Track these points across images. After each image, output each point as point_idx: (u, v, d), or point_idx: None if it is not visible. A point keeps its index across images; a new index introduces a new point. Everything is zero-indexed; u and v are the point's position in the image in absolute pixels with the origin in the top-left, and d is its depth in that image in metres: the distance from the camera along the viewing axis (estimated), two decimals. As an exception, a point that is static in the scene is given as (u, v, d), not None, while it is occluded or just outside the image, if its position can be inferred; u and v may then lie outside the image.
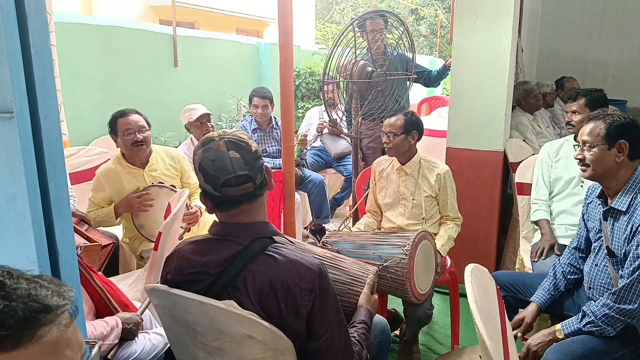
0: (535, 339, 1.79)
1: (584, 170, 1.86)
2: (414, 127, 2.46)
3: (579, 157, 1.86)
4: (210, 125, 3.42)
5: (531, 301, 2.01)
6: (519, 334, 1.95)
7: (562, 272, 2.04)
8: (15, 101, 0.76)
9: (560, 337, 1.75)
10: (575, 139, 2.70)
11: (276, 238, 1.35)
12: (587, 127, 1.84)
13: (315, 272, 1.25)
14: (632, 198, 1.75)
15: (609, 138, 1.78)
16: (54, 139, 0.84)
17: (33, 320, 0.61)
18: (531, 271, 2.47)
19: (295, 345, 1.24)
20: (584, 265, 1.99)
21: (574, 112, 2.74)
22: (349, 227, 2.52)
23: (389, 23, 3.22)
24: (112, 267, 2.75)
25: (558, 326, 1.79)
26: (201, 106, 3.50)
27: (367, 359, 1.39)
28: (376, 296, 1.65)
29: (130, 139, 2.58)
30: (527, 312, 1.98)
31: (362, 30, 3.08)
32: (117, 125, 2.60)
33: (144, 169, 2.72)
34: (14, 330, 0.60)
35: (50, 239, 0.85)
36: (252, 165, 1.28)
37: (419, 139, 2.52)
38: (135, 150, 2.62)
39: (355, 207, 2.93)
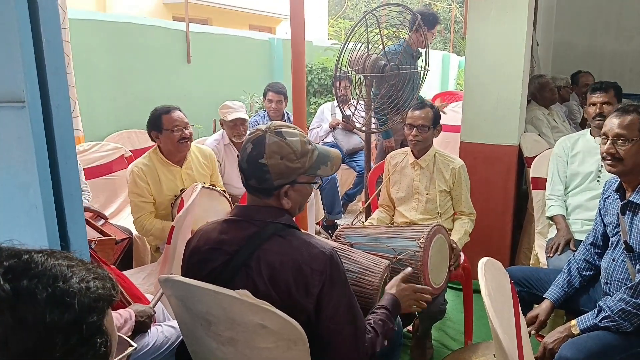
0: (551, 336, 1.76)
1: (612, 166, 1.77)
2: (438, 121, 2.46)
3: (611, 151, 1.77)
4: (242, 129, 3.29)
5: (545, 298, 1.98)
6: (533, 332, 1.92)
7: (577, 268, 2.00)
8: (26, 91, 0.76)
9: (576, 332, 1.72)
10: (590, 133, 2.67)
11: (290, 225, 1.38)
12: (620, 120, 1.75)
13: (327, 255, 1.27)
14: None
15: None
16: (66, 129, 0.84)
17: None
18: (546, 267, 2.44)
19: (307, 331, 1.23)
20: (599, 261, 1.96)
21: (604, 103, 2.59)
22: (362, 222, 2.50)
23: (397, 12, 3.19)
24: (127, 261, 2.78)
25: (574, 322, 1.75)
26: (240, 107, 3.35)
27: (382, 345, 1.38)
28: (413, 285, 1.62)
29: (179, 135, 2.59)
30: (540, 310, 1.95)
31: (374, 24, 3.05)
32: (162, 121, 2.58)
33: (181, 166, 2.70)
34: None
35: (62, 229, 0.86)
36: (255, 171, 1.32)
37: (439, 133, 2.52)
38: (181, 146, 2.62)
39: (368, 202, 2.91)
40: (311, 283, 1.25)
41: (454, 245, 2.26)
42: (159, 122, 2.58)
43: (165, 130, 2.58)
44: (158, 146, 2.66)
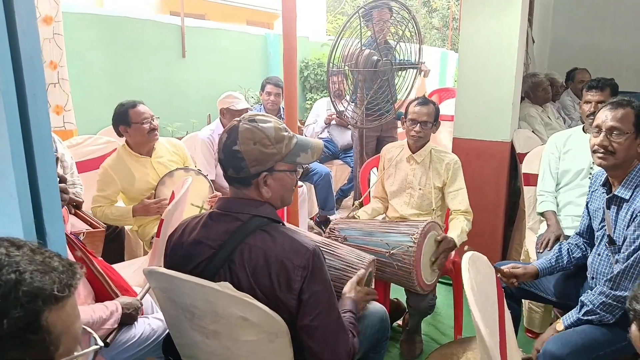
0: (540, 339, 1.77)
1: (604, 159, 1.75)
2: (438, 117, 2.46)
3: (604, 143, 1.74)
4: None
5: (531, 264, 2.00)
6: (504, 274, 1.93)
7: (567, 249, 2.02)
8: (1, 79, 0.76)
9: (561, 329, 1.73)
10: (583, 129, 2.67)
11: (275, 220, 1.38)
12: (614, 113, 1.74)
13: (310, 251, 1.27)
14: (636, 186, 1.72)
15: (637, 126, 1.72)
16: (42, 119, 0.84)
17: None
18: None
19: (290, 326, 1.23)
20: (589, 249, 1.97)
21: (599, 102, 2.54)
22: (358, 216, 2.49)
23: (396, 12, 3.18)
24: (119, 253, 2.79)
25: (559, 321, 1.77)
26: (242, 97, 3.51)
27: (357, 346, 1.38)
28: (365, 288, 1.62)
29: (148, 127, 2.68)
30: (523, 267, 1.96)
31: (367, 20, 3.05)
32: (129, 115, 2.65)
33: (150, 156, 2.79)
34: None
35: (39, 220, 0.85)
36: (231, 159, 1.32)
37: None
38: (151, 137, 2.71)
39: (361, 198, 2.91)
40: (293, 278, 1.24)
41: (444, 239, 2.22)
42: (126, 117, 2.66)
43: (135, 124, 2.66)
44: (126, 141, 2.75)
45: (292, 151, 1.36)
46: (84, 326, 0.69)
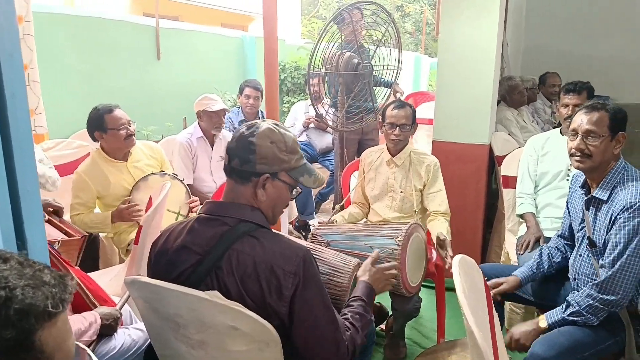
0: (519, 327, 1.78)
1: (581, 162, 1.78)
2: (415, 119, 2.46)
3: (581, 147, 1.77)
4: (222, 121, 3.34)
5: (513, 275, 2.02)
6: (492, 293, 1.93)
7: (547, 254, 2.04)
8: (-22, 78, 0.71)
9: (544, 326, 1.74)
10: (560, 131, 2.71)
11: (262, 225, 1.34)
12: (590, 117, 1.76)
13: (300, 256, 1.24)
14: (613, 187, 1.74)
15: (612, 129, 1.74)
16: (22, 120, 0.78)
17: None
18: (517, 264, 2.46)
19: (281, 334, 1.20)
20: (569, 250, 1.99)
21: (576, 105, 2.58)
22: (335, 220, 2.47)
23: (374, 13, 3.17)
24: (93, 262, 2.69)
25: (542, 316, 1.78)
26: (219, 99, 3.43)
27: (363, 341, 1.36)
28: (382, 265, 1.60)
29: (125, 133, 2.61)
30: (506, 280, 1.99)
31: (339, 23, 3.03)
32: (105, 121, 2.58)
33: (126, 161, 2.72)
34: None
35: (19, 228, 0.80)
36: (242, 149, 1.32)
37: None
38: (127, 143, 2.65)
39: (342, 202, 2.89)
40: (284, 285, 1.21)
41: (442, 237, 2.21)
42: (102, 122, 2.59)
43: (111, 130, 2.59)
44: (101, 146, 2.68)
45: (298, 168, 1.37)
46: (77, 342, 0.64)
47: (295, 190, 1.40)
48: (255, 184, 1.32)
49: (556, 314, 1.75)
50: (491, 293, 1.91)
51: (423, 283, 2.94)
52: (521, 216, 2.66)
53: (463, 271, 1.33)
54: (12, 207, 0.79)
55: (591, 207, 1.81)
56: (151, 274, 1.38)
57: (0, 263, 0.59)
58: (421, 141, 4.82)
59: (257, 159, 1.30)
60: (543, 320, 1.76)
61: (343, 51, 2.89)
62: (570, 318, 1.70)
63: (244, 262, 1.24)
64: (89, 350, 0.65)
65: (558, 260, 2.03)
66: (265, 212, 1.36)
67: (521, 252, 2.46)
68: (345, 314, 1.38)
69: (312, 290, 1.24)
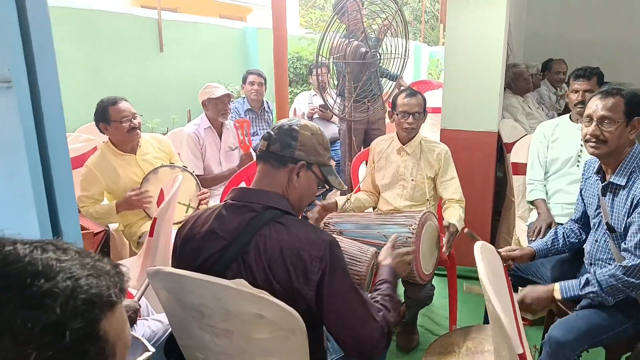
0: (532, 292, 1.77)
1: (596, 148, 1.77)
2: (426, 107, 2.46)
3: (596, 133, 1.76)
4: (227, 108, 3.30)
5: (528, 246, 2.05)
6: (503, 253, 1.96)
7: (562, 233, 2.06)
8: (12, 69, 0.70)
9: (558, 297, 1.73)
10: (570, 117, 2.71)
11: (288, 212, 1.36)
12: (605, 102, 1.76)
13: (326, 241, 1.25)
14: (630, 172, 1.75)
15: (627, 114, 1.74)
16: (55, 112, 0.78)
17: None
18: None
19: (307, 320, 1.20)
20: (584, 234, 2.00)
21: (587, 91, 2.58)
22: (350, 201, 2.47)
23: (381, 2, 3.14)
24: (103, 255, 2.69)
25: (556, 286, 1.75)
26: (222, 86, 3.40)
27: (396, 320, 1.37)
28: (400, 250, 1.63)
29: (128, 125, 2.60)
30: (519, 249, 2.02)
31: (341, 14, 3.00)
32: (109, 113, 2.58)
33: (135, 154, 2.72)
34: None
35: (54, 220, 0.80)
36: (284, 135, 1.38)
37: None
38: (131, 136, 2.64)
39: (353, 191, 2.89)
40: (310, 270, 1.23)
41: (450, 225, 2.20)
42: (106, 114, 2.59)
43: (114, 122, 2.59)
44: (109, 138, 2.69)
45: (328, 167, 1.46)
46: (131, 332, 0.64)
47: (322, 186, 1.45)
48: (290, 170, 1.36)
49: (572, 289, 1.72)
50: (503, 256, 1.92)
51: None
52: (532, 203, 2.66)
53: (485, 257, 1.34)
54: (47, 201, 0.79)
55: (608, 193, 1.81)
56: (176, 261, 1.39)
57: (61, 254, 0.58)
58: (425, 129, 4.80)
59: (297, 146, 1.36)
60: (557, 292, 1.74)
61: (350, 40, 2.86)
62: (588, 295, 1.69)
63: (271, 248, 1.25)
64: (143, 339, 0.65)
65: (573, 240, 2.03)
66: (293, 201, 1.38)
67: (533, 238, 2.46)
68: (375, 297, 1.39)
69: (340, 274, 1.25)
